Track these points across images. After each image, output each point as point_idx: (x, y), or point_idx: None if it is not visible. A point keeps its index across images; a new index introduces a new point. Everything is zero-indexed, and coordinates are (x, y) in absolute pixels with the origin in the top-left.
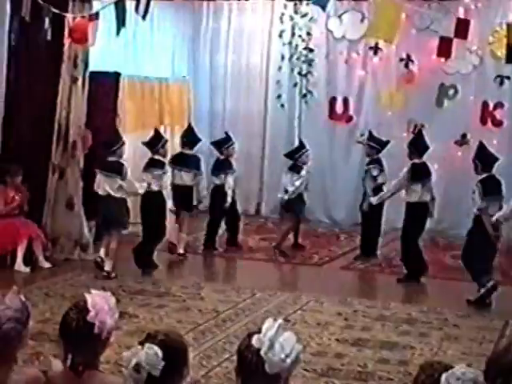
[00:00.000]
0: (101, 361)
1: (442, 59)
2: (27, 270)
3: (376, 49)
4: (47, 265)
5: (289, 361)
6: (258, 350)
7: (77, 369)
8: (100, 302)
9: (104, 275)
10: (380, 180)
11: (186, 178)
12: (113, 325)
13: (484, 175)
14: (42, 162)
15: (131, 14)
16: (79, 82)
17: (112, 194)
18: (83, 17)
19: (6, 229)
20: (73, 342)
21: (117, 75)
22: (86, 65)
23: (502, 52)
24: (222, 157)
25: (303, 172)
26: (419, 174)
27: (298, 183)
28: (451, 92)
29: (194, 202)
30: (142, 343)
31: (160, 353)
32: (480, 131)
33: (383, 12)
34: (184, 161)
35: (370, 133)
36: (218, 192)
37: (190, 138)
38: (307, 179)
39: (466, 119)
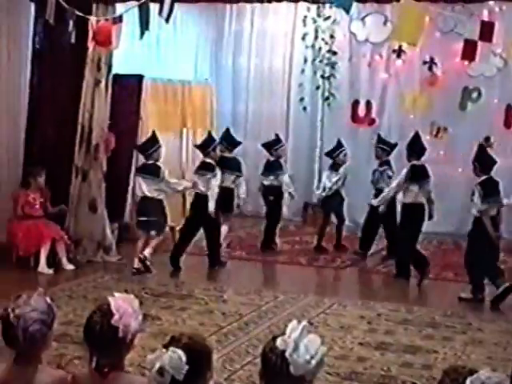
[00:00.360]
0: (125, 364)
1: (466, 62)
2: (50, 271)
3: (399, 52)
4: (70, 267)
5: (313, 362)
6: (283, 351)
7: (102, 370)
8: (123, 305)
9: (133, 271)
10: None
11: (227, 180)
12: (137, 327)
13: (483, 177)
14: (65, 164)
15: (155, 16)
16: (102, 85)
17: (149, 195)
18: (107, 20)
19: (29, 231)
20: (97, 346)
21: (140, 78)
22: (110, 67)
23: None
24: (272, 158)
25: (341, 170)
26: (417, 175)
27: (334, 179)
28: (475, 95)
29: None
30: (166, 346)
31: (184, 357)
32: (504, 134)
33: (407, 15)
34: (225, 163)
35: (379, 136)
36: (270, 192)
37: (229, 141)
38: (345, 177)
39: (489, 122)
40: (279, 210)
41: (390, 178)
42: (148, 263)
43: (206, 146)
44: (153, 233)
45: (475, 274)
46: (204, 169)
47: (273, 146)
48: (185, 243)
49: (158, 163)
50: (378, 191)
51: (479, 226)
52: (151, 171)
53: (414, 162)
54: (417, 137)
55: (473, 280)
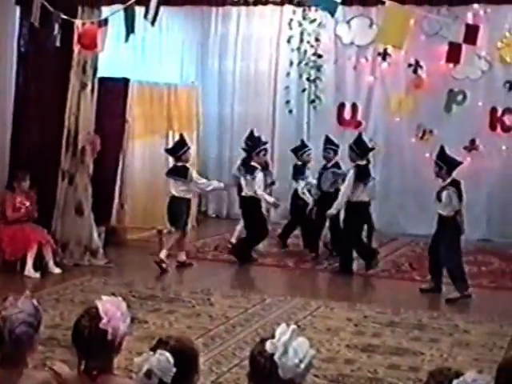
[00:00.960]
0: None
1: (451, 65)
2: (37, 275)
3: (385, 54)
4: (57, 270)
5: (302, 366)
6: (272, 354)
7: (91, 373)
8: (111, 309)
9: (156, 261)
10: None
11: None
12: (125, 330)
13: (451, 178)
14: (51, 167)
15: (140, 19)
16: (88, 88)
17: (176, 194)
18: (92, 23)
19: (15, 235)
20: (86, 349)
21: (126, 81)
22: (95, 71)
23: (510, 57)
24: (299, 163)
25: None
26: (362, 175)
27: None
28: (460, 97)
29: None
30: (153, 349)
31: (172, 359)
32: (489, 137)
33: (392, 18)
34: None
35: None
36: (294, 197)
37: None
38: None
39: (474, 125)
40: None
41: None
42: (164, 265)
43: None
44: (172, 228)
45: (456, 272)
46: (247, 172)
47: (298, 150)
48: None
49: (187, 165)
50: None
51: (450, 226)
52: (180, 173)
53: (358, 163)
54: (360, 138)
55: (455, 278)
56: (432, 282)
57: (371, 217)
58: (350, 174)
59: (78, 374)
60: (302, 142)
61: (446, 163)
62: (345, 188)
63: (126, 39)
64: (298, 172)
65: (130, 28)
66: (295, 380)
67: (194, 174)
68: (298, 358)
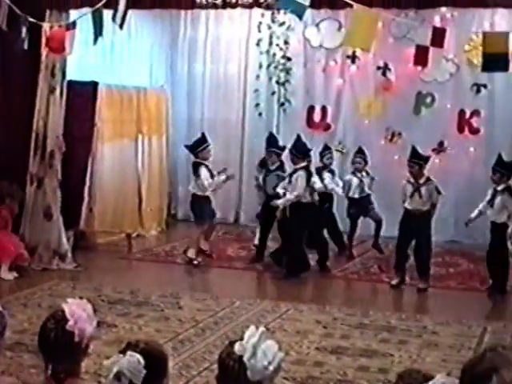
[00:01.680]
0: (81, 371)
1: (419, 67)
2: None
3: (353, 57)
4: (10, 277)
5: (271, 368)
6: (241, 356)
7: (58, 377)
8: (78, 310)
9: (187, 260)
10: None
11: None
12: (92, 332)
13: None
14: (19, 171)
15: (108, 23)
16: (57, 92)
17: (192, 191)
18: (60, 26)
19: None
20: (53, 352)
21: (95, 84)
22: (64, 74)
23: (478, 60)
24: (321, 165)
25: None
26: (307, 176)
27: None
28: (428, 100)
29: None
30: (123, 352)
31: (142, 361)
32: (457, 139)
33: (360, 21)
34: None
35: (271, 133)
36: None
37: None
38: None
39: (443, 127)
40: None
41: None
42: (196, 262)
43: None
44: (197, 224)
45: (427, 264)
46: (192, 170)
47: (321, 152)
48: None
49: (205, 162)
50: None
51: (429, 220)
52: (193, 169)
53: (303, 164)
54: (298, 139)
55: (426, 270)
56: (399, 276)
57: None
58: (302, 173)
59: (45, 378)
60: (325, 144)
61: (422, 160)
62: (299, 188)
63: (95, 42)
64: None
65: (98, 31)
66: (263, 382)
67: (203, 172)
68: (267, 360)
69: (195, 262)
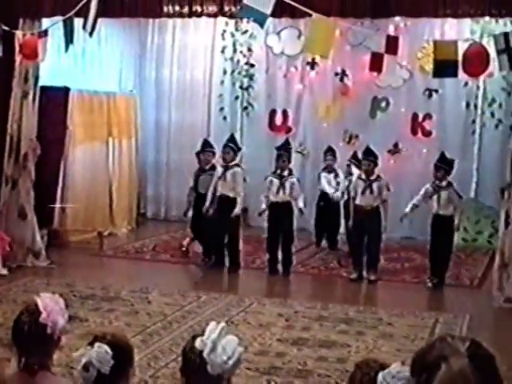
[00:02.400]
0: (53, 364)
1: (375, 73)
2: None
3: (313, 64)
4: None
5: (230, 362)
6: (201, 351)
7: (31, 369)
8: (50, 304)
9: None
10: None
11: None
12: (64, 325)
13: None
14: None
15: (79, 31)
16: (30, 97)
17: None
18: (33, 34)
19: None
20: (26, 345)
21: (66, 89)
22: (37, 80)
23: (429, 67)
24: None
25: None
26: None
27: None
28: (383, 104)
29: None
30: (90, 344)
31: (110, 351)
32: (410, 141)
33: (318, 29)
34: None
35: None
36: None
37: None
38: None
39: (397, 130)
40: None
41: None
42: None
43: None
44: None
45: (377, 258)
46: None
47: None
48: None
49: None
50: None
51: (378, 215)
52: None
53: (236, 162)
54: (232, 137)
55: (376, 263)
56: (357, 271)
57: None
58: (240, 171)
59: (18, 370)
60: (329, 147)
61: (376, 158)
62: (242, 186)
63: (66, 49)
64: None
65: (69, 39)
66: (224, 375)
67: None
68: (227, 355)
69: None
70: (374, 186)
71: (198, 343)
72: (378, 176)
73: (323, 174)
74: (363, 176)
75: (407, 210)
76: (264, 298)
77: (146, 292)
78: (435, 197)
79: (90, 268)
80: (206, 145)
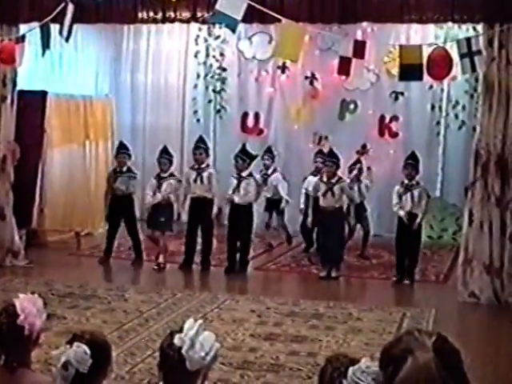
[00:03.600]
0: (32, 361)
1: (343, 77)
2: None
3: (283, 68)
4: None
5: (208, 358)
6: (180, 348)
7: (10, 366)
8: (28, 306)
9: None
10: None
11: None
12: (41, 326)
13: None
14: None
15: (56, 36)
16: (8, 101)
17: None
18: (10, 39)
19: None
20: (5, 344)
21: (44, 93)
22: (14, 84)
23: (395, 70)
24: None
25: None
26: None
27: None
28: (352, 106)
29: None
30: (69, 342)
31: (88, 351)
32: (378, 142)
33: (288, 34)
34: None
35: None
36: None
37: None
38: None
39: (365, 131)
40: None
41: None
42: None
43: None
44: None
45: (341, 256)
46: None
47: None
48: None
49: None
50: None
51: (341, 215)
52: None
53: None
54: (201, 138)
55: (339, 261)
56: (325, 269)
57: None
58: (214, 172)
59: None
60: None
61: (338, 160)
62: (216, 187)
63: (43, 54)
64: None
65: (45, 44)
66: (201, 371)
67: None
68: (204, 352)
69: (162, 266)
70: (336, 188)
71: (176, 340)
72: (340, 178)
73: (309, 178)
74: (325, 178)
75: (402, 212)
76: (237, 295)
77: (123, 290)
78: (408, 195)
79: (68, 267)
80: (122, 147)
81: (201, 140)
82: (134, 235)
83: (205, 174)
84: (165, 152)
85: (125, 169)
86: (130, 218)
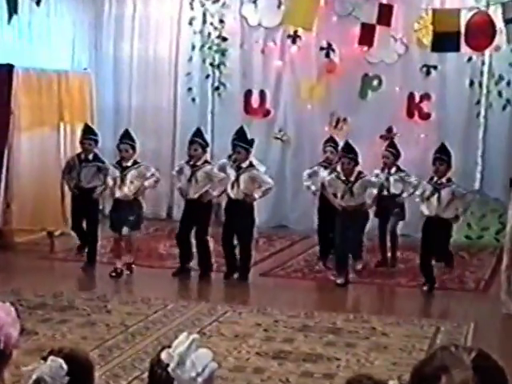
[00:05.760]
0: (4, 382)
1: (365, 48)
2: None
3: (295, 37)
4: None
5: (200, 380)
6: (167, 365)
7: None
8: (2, 315)
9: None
10: None
11: None
12: (17, 337)
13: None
14: None
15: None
16: None
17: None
18: None
19: None
20: None
21: (10, 67)
22: None
23: (428, 40)
24: None
25: None
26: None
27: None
28: (375, 83)
29: None
30: (44, 358)
31: (65, 366)
32: (406, 124)
33: None
34: None
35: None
36: None
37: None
38: None
39: (391, 112)
40: None
41: None
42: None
43: None
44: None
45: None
46: None
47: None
48: None
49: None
50: None
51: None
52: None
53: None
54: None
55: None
56: (343, 275)
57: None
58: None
59: None
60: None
61: (356, 156)
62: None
63: (9, 21)
64: None
65: (12, 8)
66: None
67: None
68: (195, 372)
69: (132, 268)
70: (356, 187)
71: (164, 356)
72: (359, 173)
73: (321, 173)
74: (342, 176)
75: (425, 212)
76: (239, 306)
77: (105, 300)
78: (435, 197)
79: (39, 273)
80: (87, 131)
81: (198, 133)
82: (92, 237)
83: (199, 174)
84: (127, 137)
85: (91, 157)
86: (91, 217)
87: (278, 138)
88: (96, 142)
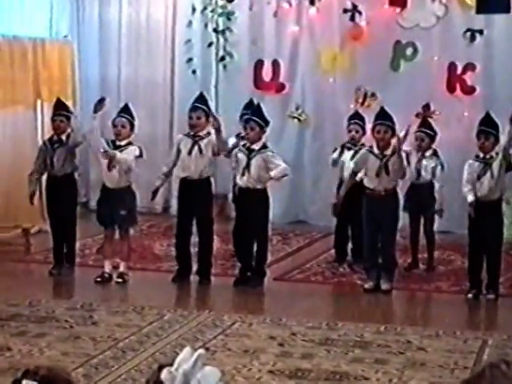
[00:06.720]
0: None
1: (397, 9)
2: None
3: None
4: None
5: None
6: None
7: None
8: None
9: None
10: None
11: None
12: None
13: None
14: None
15: None
16: None
17: None
18: None
19: None
20: None
21: None
22: None
23: None
24: None
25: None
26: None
27: None
28: (409, 51)
29: None
30: (18, 381)
31: None
32: (447, 100)
33: None
34: None
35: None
36: None
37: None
38: None
39: (428, 85)
40: None
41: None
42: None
43: None
44: None
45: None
46: None
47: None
48: None
49: None
50: None
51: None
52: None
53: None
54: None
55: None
56: (372, 278)
57: None
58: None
59: None
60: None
61: (393, 124)
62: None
63: None
64: None
65: None
66: None
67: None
68: None
69: (126, 278)
70: (391, 163)
71: (164, 375)
72: (395, 147)
73: (346, 155)
74: (375, 150)
75: (471, 197)
76: (250, 316)
77: (90, 310)
78: (488, 174)
79: (13, 278)
80: (59, 106)
81: (201, 98)
82: (70, 234)
83: (204, 143)
84: (126, 111)
85: (64, 137)
86: (68, 207)
87: (294, 117)
88: (68, 118)
